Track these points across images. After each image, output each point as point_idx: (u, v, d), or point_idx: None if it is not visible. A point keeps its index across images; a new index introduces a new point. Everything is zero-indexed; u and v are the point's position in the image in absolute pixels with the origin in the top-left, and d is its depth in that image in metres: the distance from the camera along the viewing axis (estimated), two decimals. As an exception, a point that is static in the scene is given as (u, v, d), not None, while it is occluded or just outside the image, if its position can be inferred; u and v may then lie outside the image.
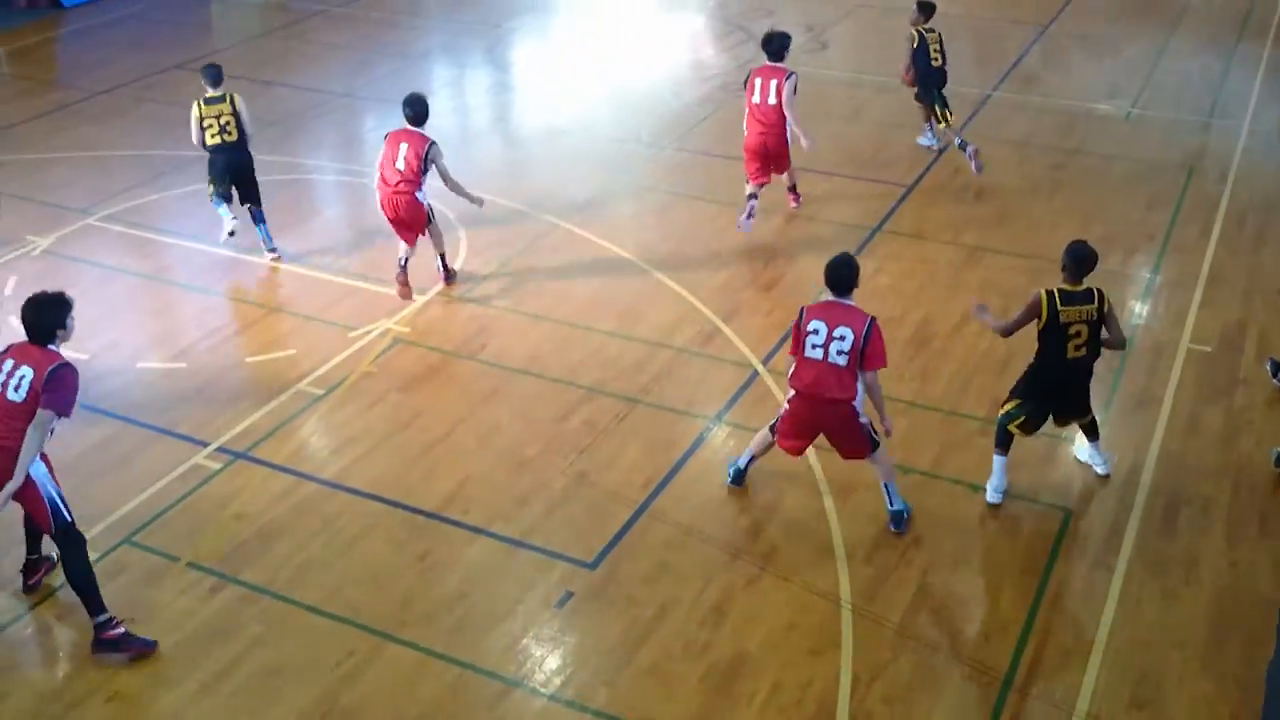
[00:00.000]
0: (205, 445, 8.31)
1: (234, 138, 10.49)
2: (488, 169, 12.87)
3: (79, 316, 9.26)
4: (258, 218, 10.83)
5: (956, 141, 12.33)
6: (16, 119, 14.33)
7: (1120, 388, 8.86)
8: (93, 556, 6.98)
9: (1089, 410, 7.66)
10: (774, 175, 11.20)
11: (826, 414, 7.13)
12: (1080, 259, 7.17)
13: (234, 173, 10.62)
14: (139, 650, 6.55)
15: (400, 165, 9.73)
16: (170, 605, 6.92)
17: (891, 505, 7.45)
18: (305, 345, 9.51)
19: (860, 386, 7.05)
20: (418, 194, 9.80)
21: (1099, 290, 7.20)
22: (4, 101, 15.16)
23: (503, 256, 10.89)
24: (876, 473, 7.46)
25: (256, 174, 10.77)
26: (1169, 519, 7.53)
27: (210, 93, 10.54)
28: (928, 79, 12.40)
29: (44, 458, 6.54)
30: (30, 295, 6.76)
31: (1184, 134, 13.56)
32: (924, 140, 13.14)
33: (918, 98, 12.78)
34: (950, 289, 10.26)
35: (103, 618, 6.56)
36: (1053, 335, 7.17)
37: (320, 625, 6.78)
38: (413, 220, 9.89)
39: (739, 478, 7.79)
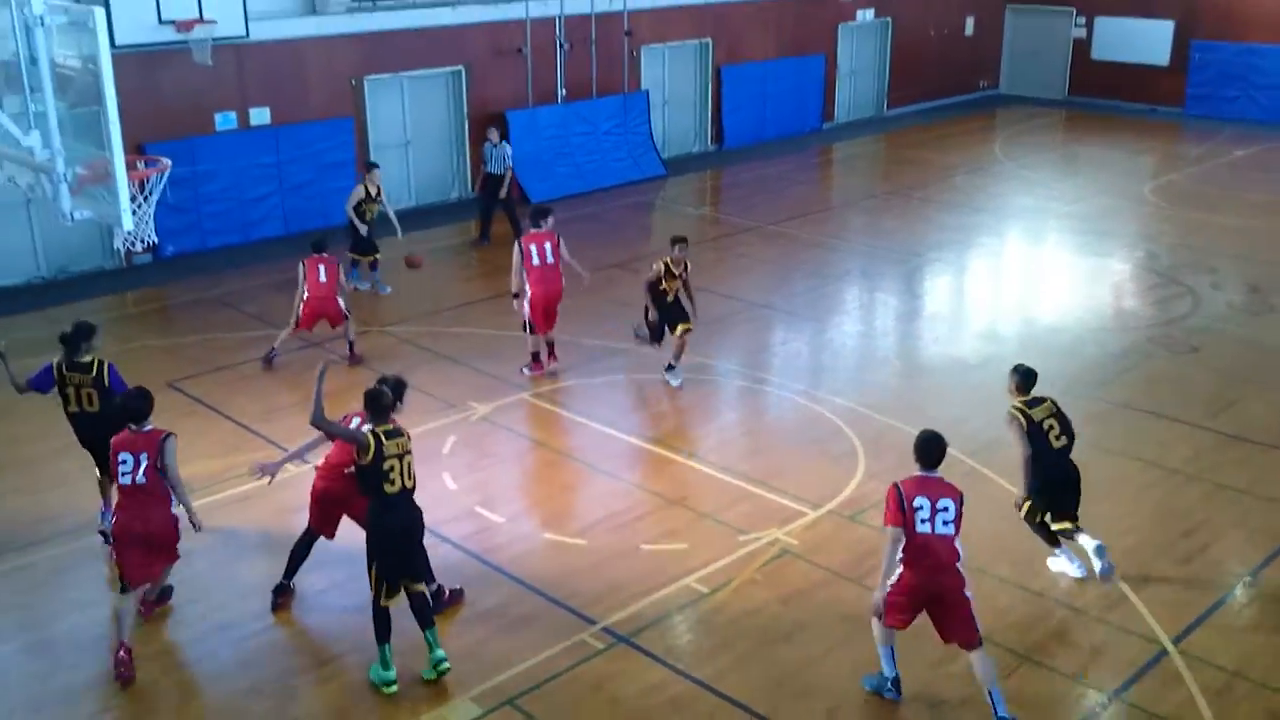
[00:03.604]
0: (593, 623, 8.67)
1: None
2: (891, 393, 12.94)
3: (502, 481, 10.09)
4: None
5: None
6: (477, 296, 16.16)
7: None
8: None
9: None
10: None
11: (943, 582, 7.47)
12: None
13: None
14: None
15: None
16: (539, 774, 7.17)
17: (997, 713, 7.42)
18: (697, 541, 9.79)
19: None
20: None
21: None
22: (469, 280, 17.18)
23: (900, 484, 10.78)
24: (980, 673, 7.50)
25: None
26: None
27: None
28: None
29: None
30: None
31: None
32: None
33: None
34: None
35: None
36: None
37: (675, 828, 6.76)
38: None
39: (898, 686, 7.87)
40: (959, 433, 11.79)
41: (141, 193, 8.81)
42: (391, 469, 7.74)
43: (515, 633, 8.60)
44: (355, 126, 19.65)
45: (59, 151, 8.25)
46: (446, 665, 7.97)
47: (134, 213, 8.46)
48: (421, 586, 8.04)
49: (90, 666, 8.22)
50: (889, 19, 28.86)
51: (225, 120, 18.24)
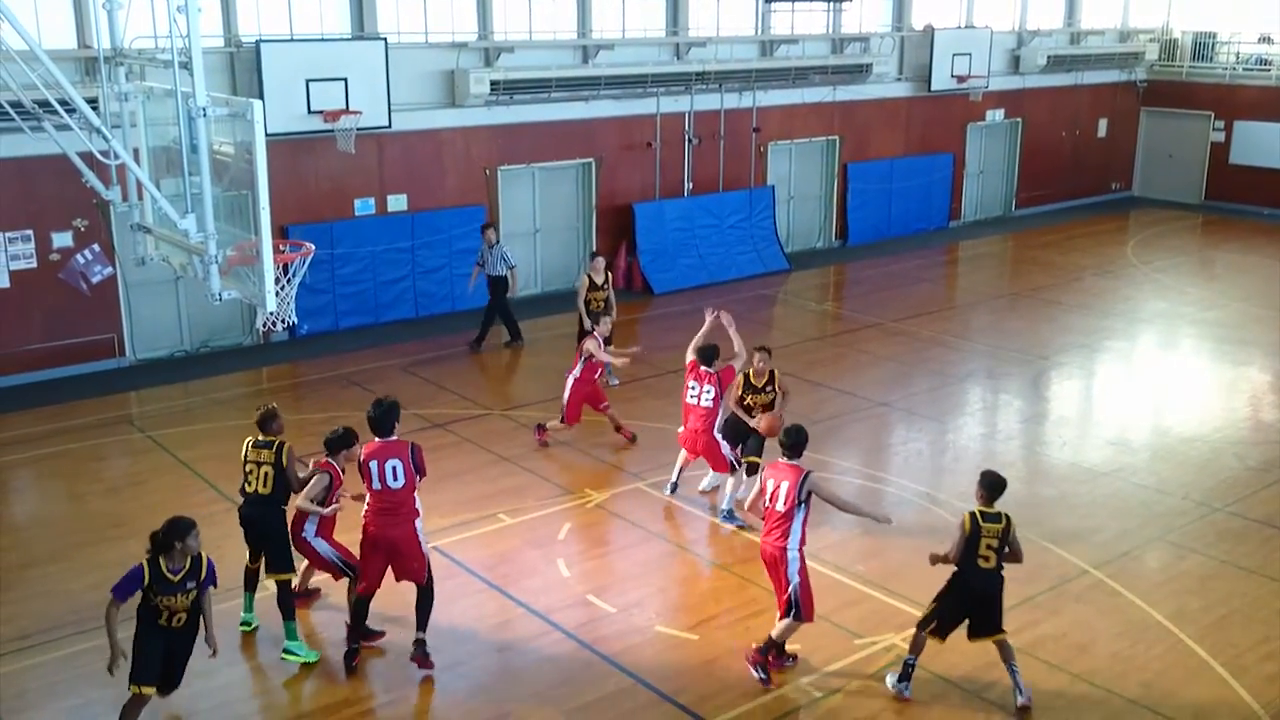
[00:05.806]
0: (702, 721, 8.56)
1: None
2: (1016, 499, 12.49)
3: (615, 571, 10.06)
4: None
5: None
6: (596, 384, 16.30)
7: None
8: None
9: (999, 627, 8.74)
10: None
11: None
12: (993, 486, 8.79)
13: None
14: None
15: None
16: None
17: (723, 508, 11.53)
18: (810, 643, 9.60)
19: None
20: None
21: (1006, 514, 8.71)
22: (589, 368, 17.34)
23: (1024, 593, 10.44)
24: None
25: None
26: None
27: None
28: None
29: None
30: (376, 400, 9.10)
31: None
32: None
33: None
34: None
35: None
36: (970, 548, 8.65)
37: None
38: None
39: None
40: (1089, 543, 11.46)
41: (285, 275, 9.19)
42: (250, 472, 9.30)
43: (623, 727, 8.53)
44: (487, 214, 20.20)
45: (212, 235, 8.69)
46: (290, 658, 9.20)
47: (277, 294, 8.83)
48: (286, 577, 9.26)
49: (208, 734, 8.41)
50: (1019, 120, 28.70)
51: (364, 206, 18.97)
